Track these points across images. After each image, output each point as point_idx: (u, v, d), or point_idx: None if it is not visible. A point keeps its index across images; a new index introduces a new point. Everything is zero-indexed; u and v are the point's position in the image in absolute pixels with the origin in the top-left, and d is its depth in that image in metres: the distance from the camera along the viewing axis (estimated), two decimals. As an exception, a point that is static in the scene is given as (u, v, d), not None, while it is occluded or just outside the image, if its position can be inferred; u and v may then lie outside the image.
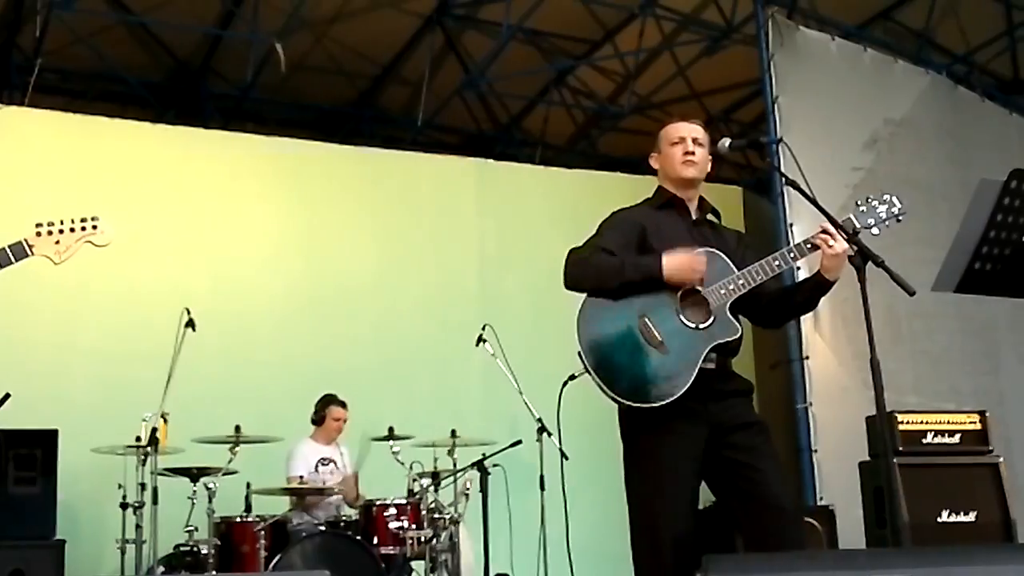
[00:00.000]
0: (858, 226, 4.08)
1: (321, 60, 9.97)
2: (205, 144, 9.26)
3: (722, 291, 4.01)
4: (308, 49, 9.76)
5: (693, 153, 4.18)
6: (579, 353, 3.96)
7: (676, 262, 3.96)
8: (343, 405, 7.64)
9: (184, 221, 8.86)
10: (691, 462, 3.95)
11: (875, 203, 4.15)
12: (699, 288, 4.02)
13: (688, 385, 3.89)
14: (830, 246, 3.96)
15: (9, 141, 8.42)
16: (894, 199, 4.17)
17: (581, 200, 9.63)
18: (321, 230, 9.31)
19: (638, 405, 3.91)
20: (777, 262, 4.05)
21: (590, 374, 3.94)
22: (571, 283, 4.09)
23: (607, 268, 4.00)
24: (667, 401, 3.87)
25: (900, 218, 4.17)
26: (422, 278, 9.47)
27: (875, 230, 4.12)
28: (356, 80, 10.46)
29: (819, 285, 4.10)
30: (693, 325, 3.98)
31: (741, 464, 3.96)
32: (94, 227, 3.55)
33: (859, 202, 4.17)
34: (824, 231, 3.98)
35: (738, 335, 4.04)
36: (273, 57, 9.25)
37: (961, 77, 9.94)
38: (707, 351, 3.96)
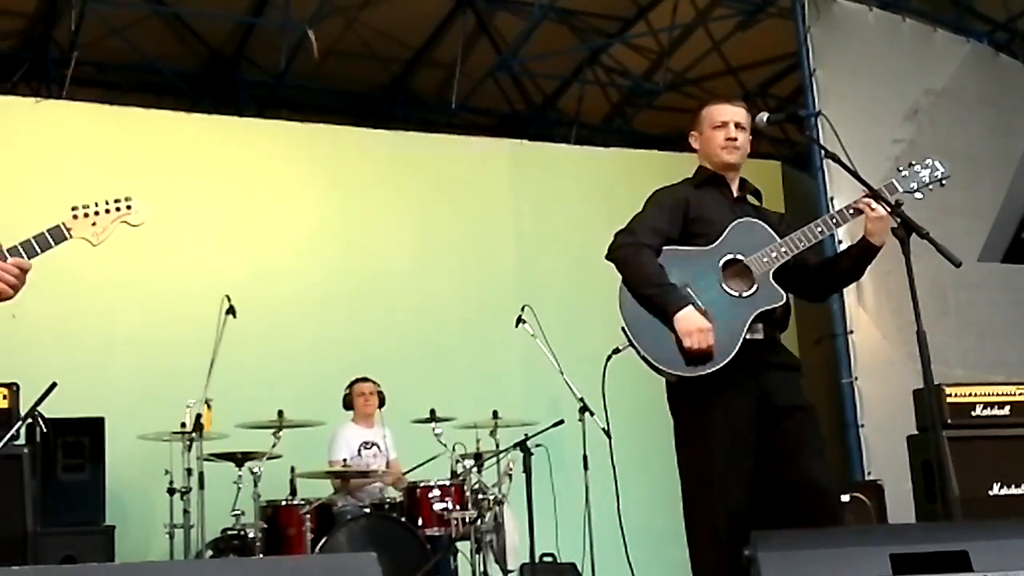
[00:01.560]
0: (901, 191, 4.05)
1: (353, 45, 9.95)
2: (240, 132, 9.28)
3: (764, 259, 4.00)
4: (340, 34, 9.75)
5: (735, 139, 4.16)
6: (622, 328, 3.97)
7: (688, 324, 3.88)
8: (368, 380, 7.66)
9: (222, 209, 8.89)
10: (744, 432, 3.94)
11: (917, 167, 4.11)
12: (741, 257, 4.01)
13: (734, 353, 3.88)
14: (873, 209, 3.94)
15: (48, 134, 8.48)
16: (936, 162, 4.13)
17: (617, 179, 9.61)
18: (358, 215, 9.31)
19: (684, 375, 3.89)
20: (820, 228, 4.03)
21: (634, 347, 3.96)
22: (615, 261, 4.09)
23: (644, 275, 3.97)
24: (713, 369, 3.86)
25: (943, 181, 4.13)
26: (459, 260, 9.46)
27: (918, 194, 4.08)
28: (389, 64, 10.44)
29: (865, 251, 4.07)
30: (736, 294, 3.98)
31: (786, 450, 3.95)
32: (128, 207, 3.56)
33: (901, 168, 4.13)
34: (866, 195, 3.96)
35: (782, 302, 4.02)
36: (305, 43, 9.25)
37: (1002, 44, 9.81)
38: (751, 319, 3.95)
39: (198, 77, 10.22)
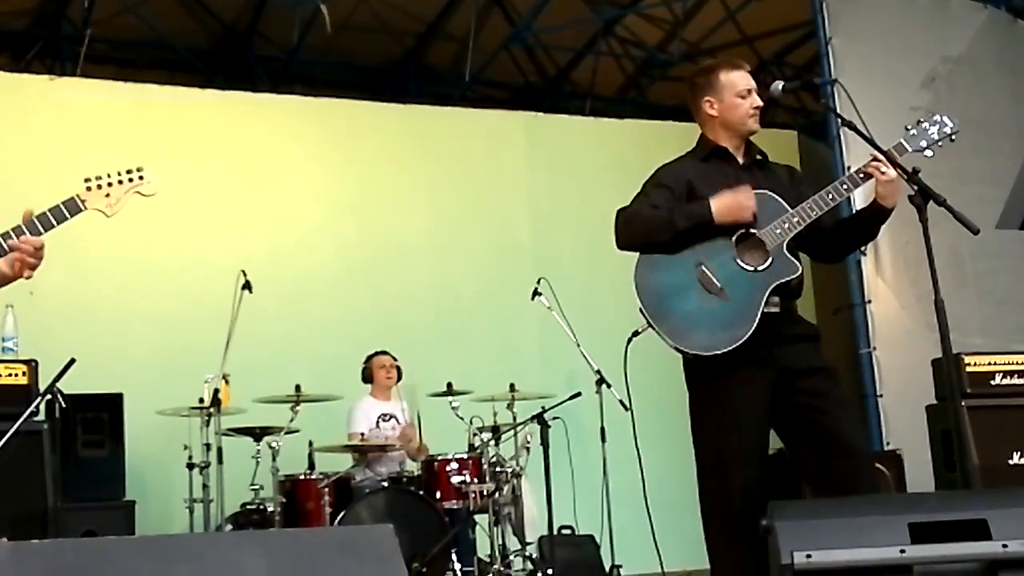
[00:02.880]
0: (910, 150, 4.02)
1: (366, 19, 9.91)
2: (254, 107, 9.27)
3: (777, 231, 3.97)
4: (353, 8, 9.71)
5: (761, 107, 4.13)
6: (640, 309, 3.95)
7: (725, 201, 3.93)
8: (386, 354, 7.68)
9: (236, 185, 8.89)
10: (759, 407, 3.93)
11: (925, 124, 4.07)
12: (754, 230, 3.99)
13: (752, 329, 3.86)
14: (883, 172, 3.91)
15: (63, 111, 8.48)
16: (945, 118, 4.09)
17: (633, 150, 9.55)
18: (372, 189, 9.30)
19: (702, 354, 3.88)
20: (831, 195, 4.00)
21: (653, 329, 3.93)
22: (623, 243, 4.08)
23: (657, 222, 3.97)
24: (733, 347, 3.84)
25: (953, 137, 4.09)
26: (475, 234, 9.45)
27: (928, 152, 4.04)
28: (402, 38, 10.40)
29: (877, 212, 4.04)
30: (752, 268, 3.95)
31: (811, 408, 3.93)
32: (140, 177, 3.56)
33: (908, 126, 4.09)
34: (875, 159, 3.93)
35: (798, 273, 4.00)
36: (318, 18, 9.21)
37: (1020, 10, 9.69)
38: (768, 293, 3.93)
39: (211, 53, 10.20)
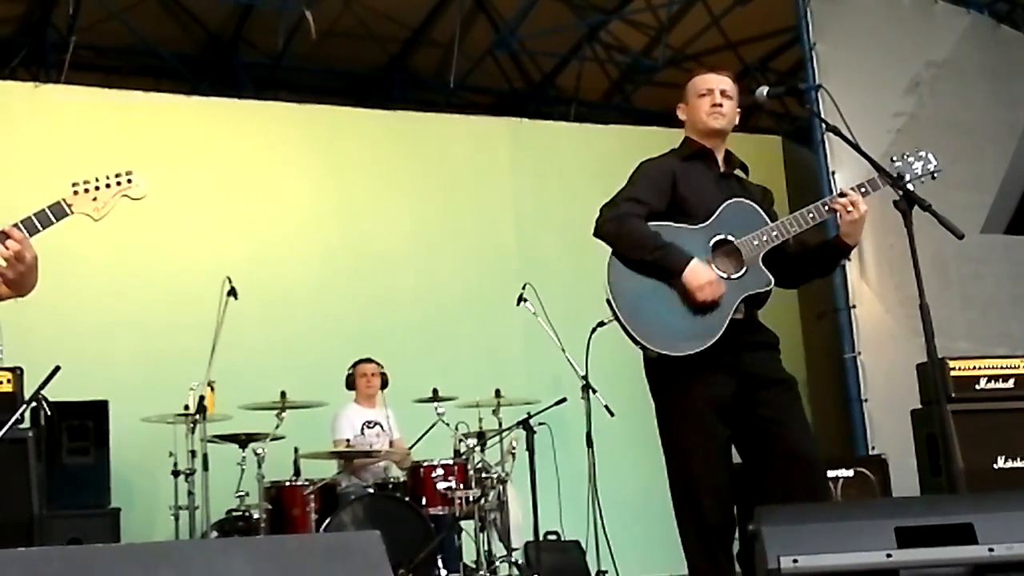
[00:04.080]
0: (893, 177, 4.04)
1: (351, 25, 9.91)
2: (240, 114, 9.28)
3: (755, 242, 4.01)
4: (338, 15, 9.71)
5: (720, 105, 4.16)
6: (608, 300, 3.98)
7: (698, 276, 3.91)
8: (370, 361, 7.66)
9: (221, 191, 8.88)
10: (721, 411, 3.97)
11: (910, 159, 4.13)
12: (731, 238, 4.02)
13: (719, 335, 3.90)
14: (848, 211, 3.94)
15: (48, 118, 8.47)
16: (930, 155, 4.15)
17: (617, 155, 9.34)
18: (357, 195, 9.30)
19: (668, 354, 3.90)
20: (811, 214, 4.05)
21: (618, 321, 3.96)
22: (602, 236, 4.11)
23: (639, 243, 3.98)
24: (697, 351, 3.88)
25: (935, 175, 4.14)
26: (460, 239, 9.45)
27: (910, 185, 4.06)
28: (387, 44, 10.40)
29: (838, 250, 4.11)
30: (725, 275, 3.98)
31: (769, 420, 3.97)
32: (129, 181, 3.54)
33: (895, 158, 4.14)
34: (842, 194, 3.97)
35: (770, 286, 4.03)
36: (303, 24, 9.21)
37: (1003, 15, 9.74)
38: (739, 302, 3.97)
39: (196, 60, 10.18)
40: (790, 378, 4.10)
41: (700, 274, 3.91)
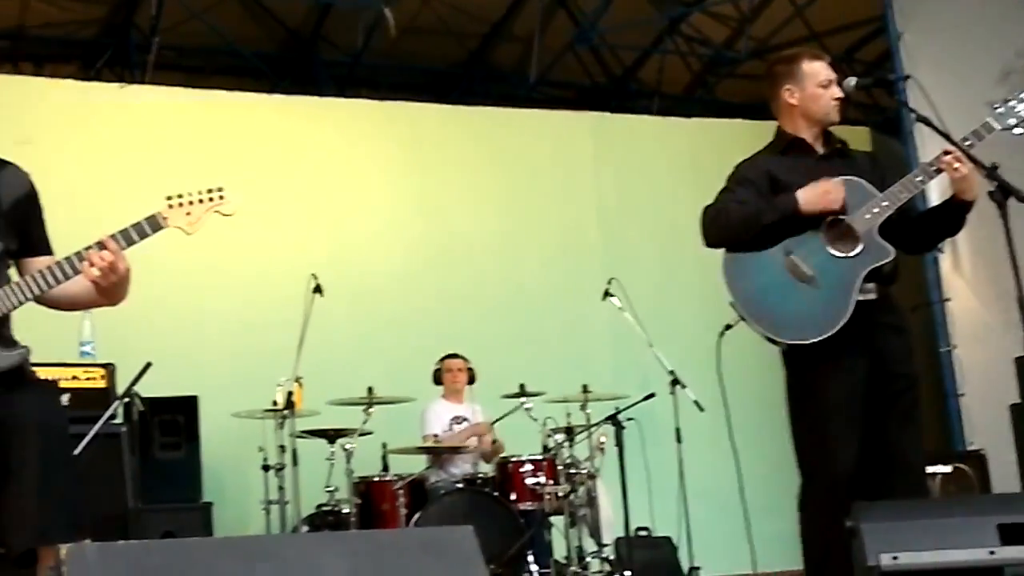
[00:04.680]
0: (998, 127, 3.92)
1: (430, 22, 9.90)
2: (320, 112, 9.31)
3: (867, 216, 3.92)
4: (417, 11, 9.70)
5: (842, 98, 4.09)
6: (731, 303, 3.94)
7: (812, 192, 3.89)
8: (458, 357, 7.66)
9: (305, 189, 8.93)
10: (858, 397, 3.88)
11: (1013, 102, 3.97)
12: (843, 217, 3.93)
13: (848, 316, 3.81)
14: (955, 169, 3.82)
15: (132, 118, 8.57)
16: None
17: (701, 149, 9.53)
18: (439, 191, 9.31)
19: (800, 343, 3.84)
20: (920, 178, 3.96)
21: (746, 321, 3.92)
22: (711, 241, 4.06)
23: (744, 218, 3.95)
24: (828, 334, 3.80)
25: None
26: (543, 235, 9.41)
27: (1018, 130, 3.93)
28: (466, 40, 10.37)
29: (959, 206, 3.97)
30: (842, 255, 3.91)
31: (890, 423, 3.89)
32: (220, 197, 3.54)
33: (996, 104, 3.98)
34: (947, 152, 3.84)
35: (891, 257, 3.94)
36: (382, 22, 9.21)
37: (1097, 2, 9.47)
38: (861, 279, 3.87)
39: (277, 58, 10.24)
40: (914, 373, 4.02)
41: (812, 190, 3.89)
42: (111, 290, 3.36)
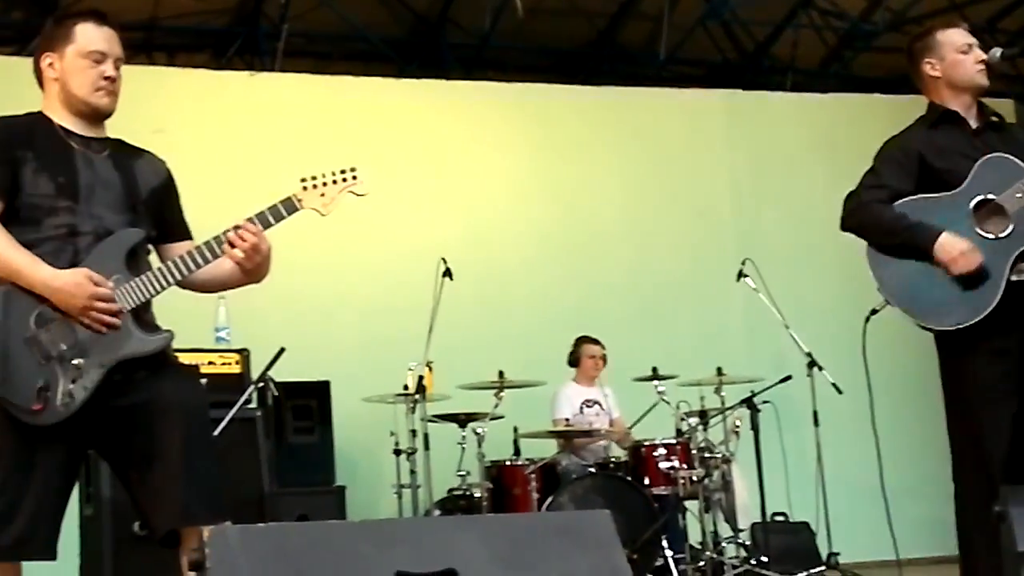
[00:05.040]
0: None
1: (558, 2, 9.80)
2: (448, 95, 9.31)
3: (1018, 194, 3.76)
4: (544, -8, 9.63)
5: (985, 60, 3.93)
6: (878, 288, 3.87)
7: (951, 246, 3.74)
8: (596, 342, 7.58)
9: (433, 172, 8.95)
10: (1011, 380, 3.75)
11: None
12: (992, 197, 3.79)
13: (997, 298, 3.68)
14: None
15: (263, 105, 8.68)
16: None
17: (837, 125, 9.32)
18: (569, 173, 9.23)
19: (948, 328, 3.74)
20: None
21: (893, 306, 3.85)
22: (848, 229, 4.00)
23: (885, 229, 3.86)
24: (978, 318, 3.68)
25: None
26: (674, 215, 9.29)
27: None
28: (594, 19, 10.24)
29: None
30: (992, 236, 3.77)
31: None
32: (354, 177, 3.53)
33: None
34: None
35: None
36: (510, 3, 9.16)
37: None
38: (1012, 260, 3.73)
39: (404, 43, 10.25)
40: None
41: (949, 247, 3.74)
42: (255, 270, 3.42)
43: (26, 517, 3.11)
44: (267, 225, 3.38)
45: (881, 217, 3.87)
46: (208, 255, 3.33)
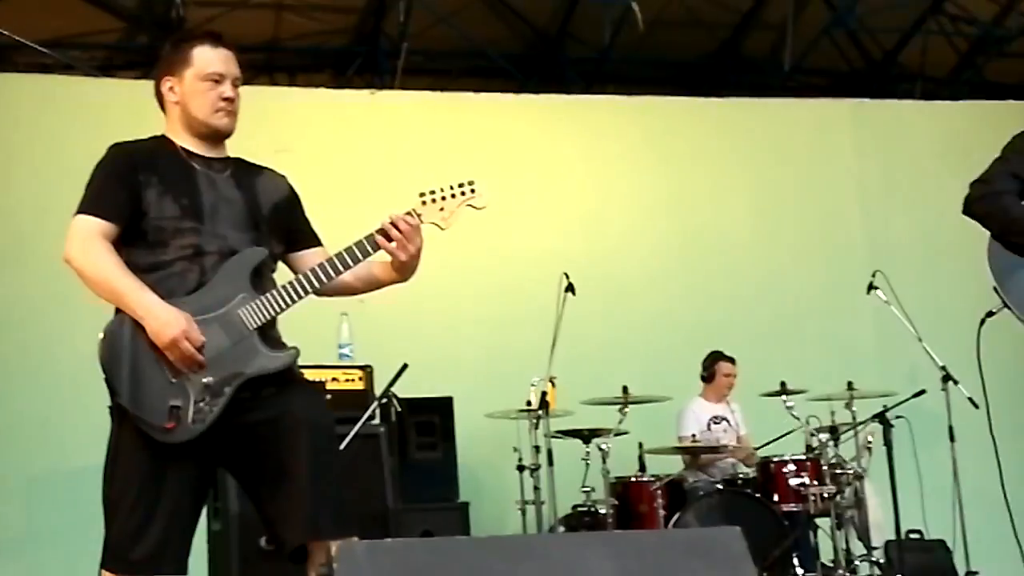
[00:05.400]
0: None
1: (678, 13, 9.71)
2: (569, 110, 9.28)
3: None
4: (664, 3, 9.52)
5: None
6: (994, 287, 3.73)
7: None
8: (732, 361, 7.49)
9: (554, 187, 8.92)
10: None
11: None
12: None
13: None
14: None
15: (384, 123, 8.75)
16: None
17: (970, 133, 9.03)
18: (692, 186, 9.14)
19: None
20: None
21: (1008, 308, 3.72)
22: (972, 215, 3.85)
23: (1013, 222, 3.72)
24: None
25: None
26: (801, 227, 9.14)
27: None
28: (716, 30, 10.13)
29: None
30: None
31: None
32: (472, 191, 3.51)
33: None
34: None
35: None
36: (629, 16, 9.11)
37: None
38: None
39: (524, 58, 10.26)
40: None
41: None
42: (407, 264, 3.43)
43: (158, 533, 3.14)
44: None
45: (1011, 211, 3.73)
46: (349, 262, 3.35)
